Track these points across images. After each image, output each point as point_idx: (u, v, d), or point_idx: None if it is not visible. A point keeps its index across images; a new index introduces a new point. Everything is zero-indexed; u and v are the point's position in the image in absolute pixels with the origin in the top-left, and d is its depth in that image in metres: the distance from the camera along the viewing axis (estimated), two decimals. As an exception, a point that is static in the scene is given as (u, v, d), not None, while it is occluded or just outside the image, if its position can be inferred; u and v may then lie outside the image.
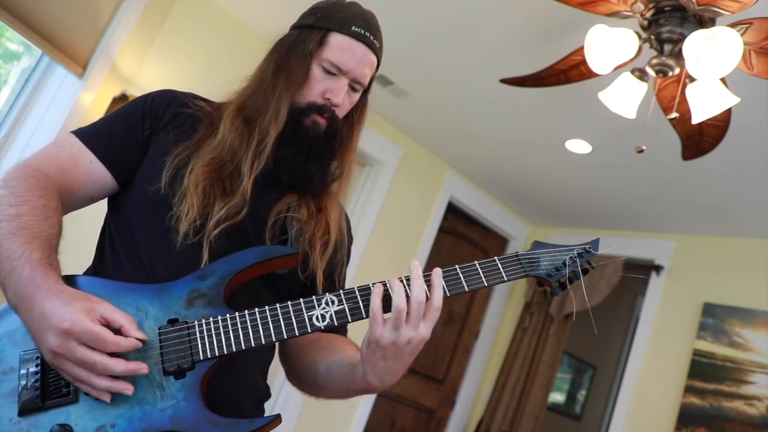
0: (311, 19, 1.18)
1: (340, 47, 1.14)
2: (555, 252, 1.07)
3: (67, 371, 0.88)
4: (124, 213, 1.11)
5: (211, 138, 1.13)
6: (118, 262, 1.08)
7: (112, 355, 0.88)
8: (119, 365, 0.87)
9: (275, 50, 1.20)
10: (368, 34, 1.16)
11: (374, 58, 1.19)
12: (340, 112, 1.19)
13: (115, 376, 0.88)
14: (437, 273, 1.00)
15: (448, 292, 1.01)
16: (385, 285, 0.99)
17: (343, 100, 1.16)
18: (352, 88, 1.18)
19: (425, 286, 0.97)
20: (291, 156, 1.14)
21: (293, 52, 1.16)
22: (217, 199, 1.08)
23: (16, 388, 0.91)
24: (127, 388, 0.89)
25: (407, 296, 0.96)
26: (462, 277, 1.02)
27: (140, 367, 0.89)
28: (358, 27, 1.15)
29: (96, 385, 0.88)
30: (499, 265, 1.04)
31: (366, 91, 1.24)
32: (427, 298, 0.98)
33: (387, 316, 0.98)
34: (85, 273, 1.11)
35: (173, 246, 1.05)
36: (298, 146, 1.14)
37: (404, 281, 0.99)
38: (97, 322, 0.87)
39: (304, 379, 1.17)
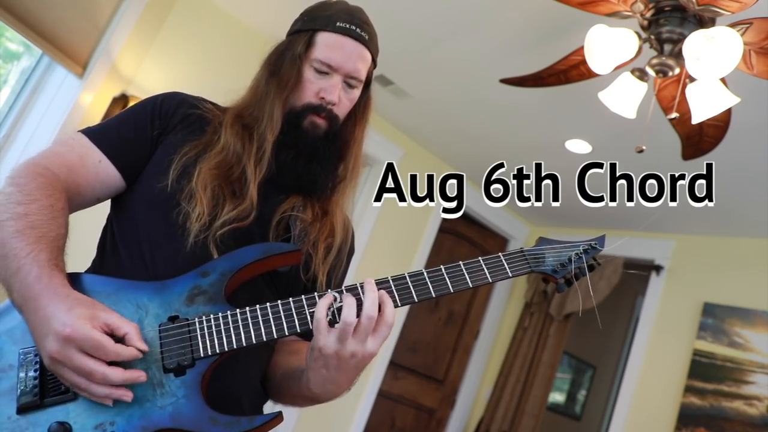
0: (299, 24, 1.20)
1: (327, 45, 1.14)
2: (560, 248, 1.07)
3: (65, 378, 0.87)
4: (128, 211, 1.11)
5: (215, 142, 1.14)
6: (119, 259, 1.07)
7: (112, 363, 0.87)
8: (117, 375, 0.86)
9: (268, 59, 1.20)
10: (354, 27, 1.15)
11: (365, 52, 1.17)
12: (340, 111, 1.18)
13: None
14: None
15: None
16: (337, 294, 0.96)
17: (340, 98, 1.15)
18: (348, 85, 1.17)
19: (377, 302, 0.94)
20: (291, 160, 1.14)
21: (284, 58, 1.16)
22: (227, 200, 1.08)
23: (15, 385, 0.90)
24: (126, 395, 0.88)
25: (358, 310, 0.93)
26: (465, 273, 1.02)
27: (138, 376, 0.88)
28: (343, 22, 1.15)
29: (94, 393, 0.87)
30: (504, 261, 1.04)
31: (366, 87, 1.23)
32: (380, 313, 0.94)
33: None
34: (86, 272, 1.10)
35: (179, 243, 1.04)
36: (299, 150, 1.14)
37: (360, 292, 0.96)
38: (99, 330, 0.86)
39: (265, 383, 1.16)
